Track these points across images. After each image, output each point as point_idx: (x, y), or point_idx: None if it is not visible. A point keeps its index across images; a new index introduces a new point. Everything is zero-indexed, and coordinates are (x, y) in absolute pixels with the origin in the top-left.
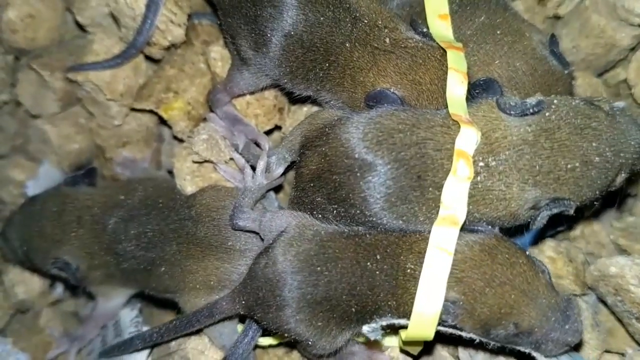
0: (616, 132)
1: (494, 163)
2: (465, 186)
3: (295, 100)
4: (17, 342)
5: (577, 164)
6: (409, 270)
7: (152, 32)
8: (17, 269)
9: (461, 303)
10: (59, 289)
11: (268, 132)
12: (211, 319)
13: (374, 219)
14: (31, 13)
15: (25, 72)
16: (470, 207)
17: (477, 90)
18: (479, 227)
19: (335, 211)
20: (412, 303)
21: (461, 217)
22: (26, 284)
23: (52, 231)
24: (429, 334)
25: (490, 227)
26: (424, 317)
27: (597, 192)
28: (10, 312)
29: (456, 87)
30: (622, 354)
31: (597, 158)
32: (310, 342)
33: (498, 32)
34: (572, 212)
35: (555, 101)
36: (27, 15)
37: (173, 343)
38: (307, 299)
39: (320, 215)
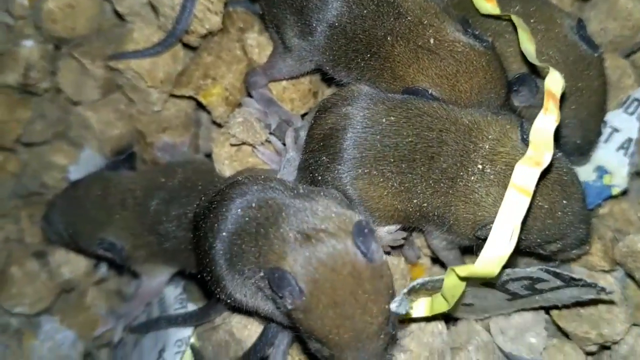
0: (580, 210)
1: (488, 170)
2: (552, 128)
3: (330, 83)
4: (64, 320)
5: (545, 206)
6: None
7: (190, 21)
8: (62, 250)
9: (304, 299)
10: (103, 268)
11: (303, 116)
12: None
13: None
14: (71, 3)
15: (66, 60)
16: (452, 198)
17: (514, 87)
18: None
19: (336, 171)
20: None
21: (546, 160)
22: (71, 264)
23: (97, 214)
24: (494, 272)
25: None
26: (495, 255)
27: (537, 241)
28: (56, 292)
29: (527, 44)
30: None
31: (559, 213)
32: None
33: (532, 20)
34: None
35: (559, 154)
36: (67, 5)
37: (218, 318)
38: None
39: (320, 178)
